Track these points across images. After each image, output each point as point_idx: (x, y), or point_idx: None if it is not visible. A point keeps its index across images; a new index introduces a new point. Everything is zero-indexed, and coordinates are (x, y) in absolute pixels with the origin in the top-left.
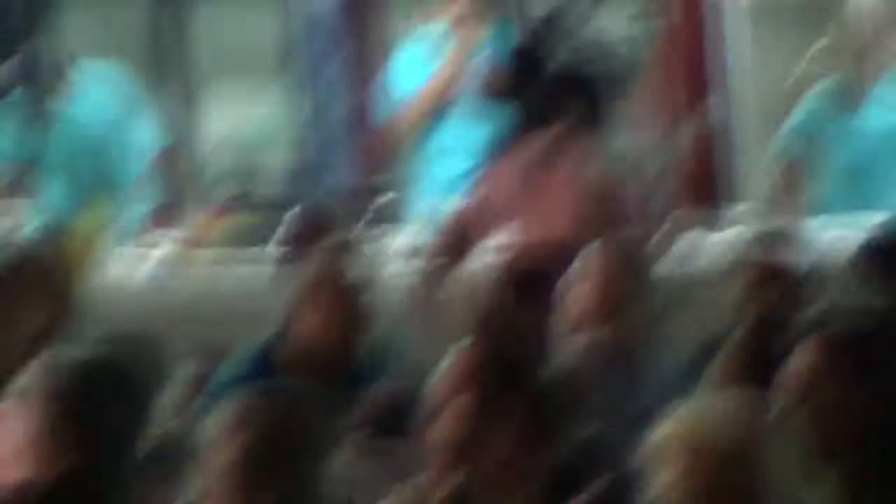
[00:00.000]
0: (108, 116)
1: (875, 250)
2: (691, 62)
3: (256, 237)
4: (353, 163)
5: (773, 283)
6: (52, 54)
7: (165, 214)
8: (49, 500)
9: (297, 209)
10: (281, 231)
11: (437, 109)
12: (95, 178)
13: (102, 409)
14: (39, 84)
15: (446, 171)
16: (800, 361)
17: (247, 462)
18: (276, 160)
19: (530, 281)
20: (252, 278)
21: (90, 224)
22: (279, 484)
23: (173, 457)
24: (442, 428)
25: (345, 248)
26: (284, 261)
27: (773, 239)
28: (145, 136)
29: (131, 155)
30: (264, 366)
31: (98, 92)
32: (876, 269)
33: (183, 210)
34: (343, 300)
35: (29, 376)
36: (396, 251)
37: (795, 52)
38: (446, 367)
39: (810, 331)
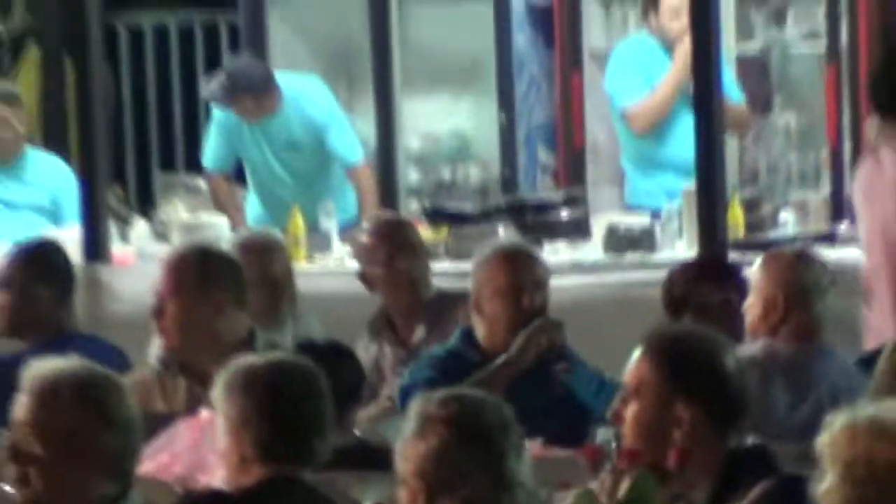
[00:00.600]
0: (313, 126)
1: None
2: None
3: (443, 249)
4: (551, 173)
5: None
6: (259, 68)
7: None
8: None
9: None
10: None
11: (656, 123)
12: (300, 186)
13: (295, 408)
14: (245, 95)
15: (661, 185)
16: None
17: (439, 461)
18: (471, 172)
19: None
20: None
21: (296, 230)
22: (469, 483)
23: (365, 456)
24: (627, 425)
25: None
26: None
27: None
28: (347, 148)
29: (333, 165)
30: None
31: (306, 103)
32: None
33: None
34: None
35: (228, 375)
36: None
37: None
38: (630, 366)
39: None
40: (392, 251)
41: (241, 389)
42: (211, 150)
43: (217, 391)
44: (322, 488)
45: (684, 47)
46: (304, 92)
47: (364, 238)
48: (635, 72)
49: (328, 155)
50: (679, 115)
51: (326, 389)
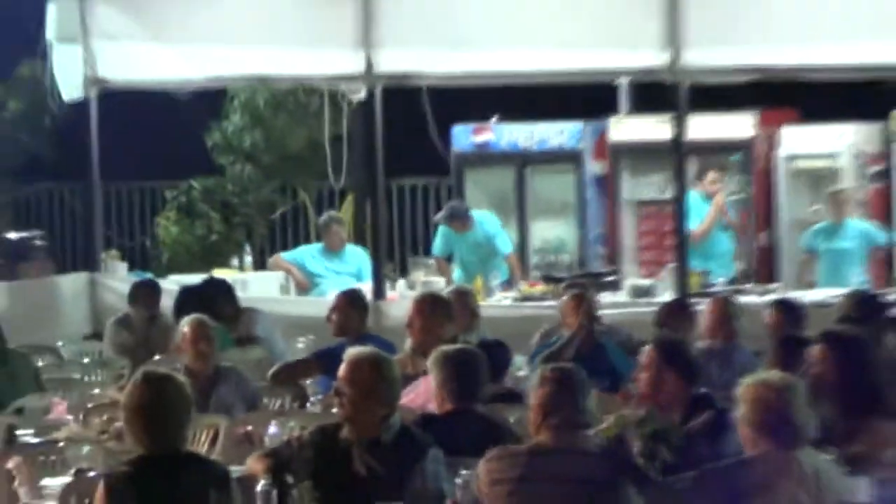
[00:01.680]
0: (488, 235)
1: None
2: None
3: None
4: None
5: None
6: (464, 206)
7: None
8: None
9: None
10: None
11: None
12: (481, 264)
13: (471, 373)
14: (456, 219)
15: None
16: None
17: (550, 398)
18: (567, 258)
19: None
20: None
21: (478, 286)
22: (565, 410)
23: (510, 398)
24: (641, 383)
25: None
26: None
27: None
28: (504, 245)
29: (497, 254)
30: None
31: (484, 223)
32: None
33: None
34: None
35: (438, 355)
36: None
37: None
38: (642, 354)
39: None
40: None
41: (443, 363)
42: (437, 246)
43: (432, 364)
44: (487, 414)
45: (718, 199)
46: (483, 219)
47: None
48: (695, 213)
49: (494, 249)
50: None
51: (486, 362)
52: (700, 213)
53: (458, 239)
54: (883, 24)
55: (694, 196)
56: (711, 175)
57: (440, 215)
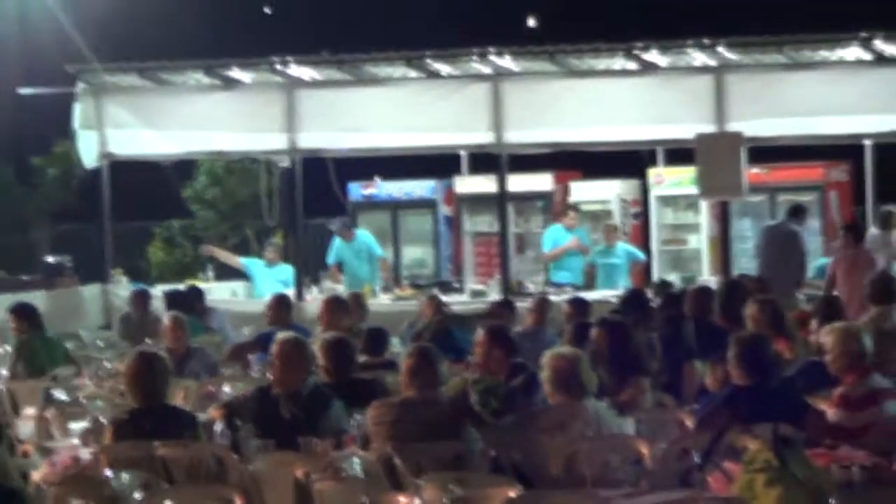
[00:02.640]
0: (367, 243)
1: None
2: None
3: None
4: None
5: None
6: (349, 221)
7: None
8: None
9: None
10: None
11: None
12: (361, 267)
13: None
14: (345, 229)
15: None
16: None
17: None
18: (427, 272)
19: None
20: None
21: (367, 290)
22: (423, 376)
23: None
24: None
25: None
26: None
27: None
28: (378, 251)
29: (373, 258)
30: None
31: (363, 236)
32: None
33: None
34: None
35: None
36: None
37: None
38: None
39: None
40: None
41: (322, 349)
42: (331, 255)
43: (318, 350)
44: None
45: (574, 241)
46: (363, 234)
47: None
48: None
49: (371, 254)
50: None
51: (354, 348)
52: (556, 240)
53: (346, 247)
54: (638, 113)
55: (555, 227)
56: (571, 213)
57: (334, 227)
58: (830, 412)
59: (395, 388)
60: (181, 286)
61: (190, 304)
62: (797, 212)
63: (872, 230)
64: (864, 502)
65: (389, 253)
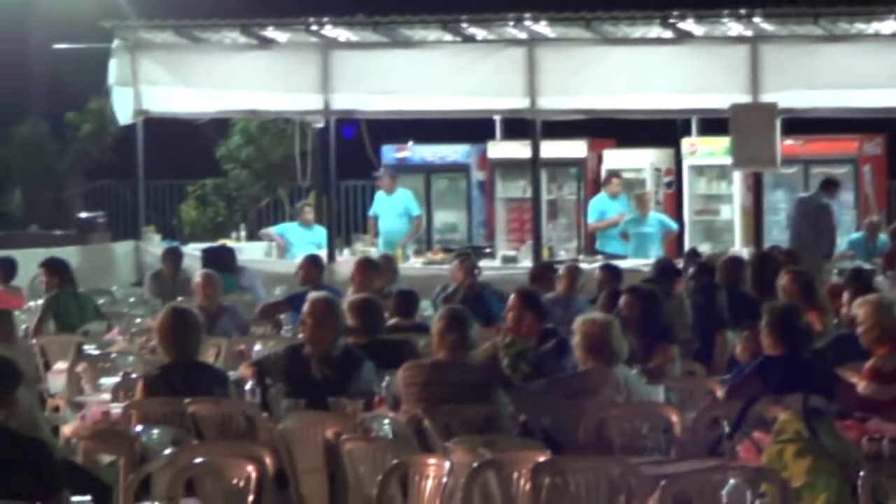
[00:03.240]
0: (405, 199)
1: None
2: None
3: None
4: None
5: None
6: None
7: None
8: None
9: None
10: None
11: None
12: (396, 223)
13: None
14: (387, 177)
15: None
16: None
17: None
18: (459, 237)
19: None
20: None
21: (398, 253)
22: (454, 338)
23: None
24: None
25: None
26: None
27: None
28: (415, 209)
29: (410, 215)
30: None
31: (403, 192)
32: None
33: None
34: None
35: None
36: None
37: None
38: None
39: None
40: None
41: (350, 310)
42: (372, 208)
43: (348, 312)
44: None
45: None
46: (403, 191)
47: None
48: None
49: (408, 211)
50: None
51: (380, 308)
52: (602, 209)
53: (384, 200)
54: (672, 82)
55: (601, 196)
56: (614, 180)
57: (379, 173)
58: (861, 384)
59: (426, 352)
60: (213, 245)
61: (222, 262)
62: (829, 185)
63: None
64: (894, 475)
65: (424, 218)
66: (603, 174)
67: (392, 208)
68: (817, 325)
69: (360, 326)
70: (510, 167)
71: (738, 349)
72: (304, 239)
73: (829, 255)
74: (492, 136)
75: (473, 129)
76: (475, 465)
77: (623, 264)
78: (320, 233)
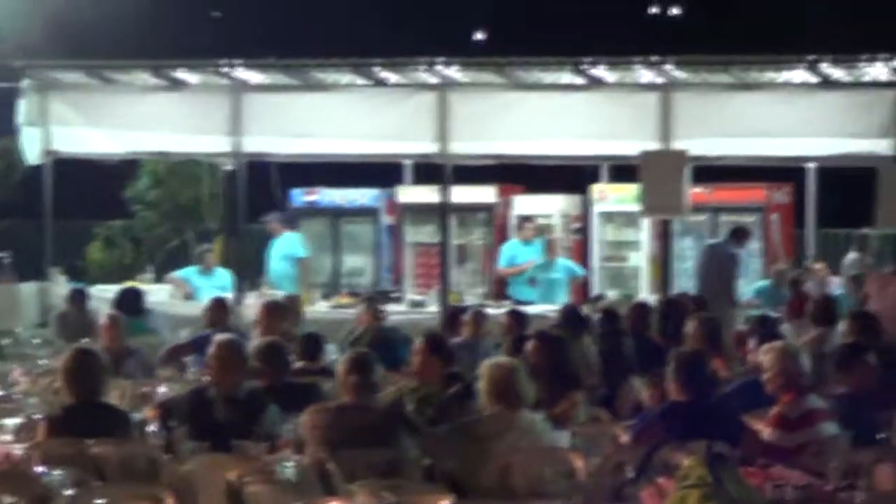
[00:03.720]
0: (291, 243)
1: None
2: None
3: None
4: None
5: None
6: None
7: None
8: None
9: None
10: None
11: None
12: (281, 267)
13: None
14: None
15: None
16: None
17: (348, 374)
18: (366, 280)
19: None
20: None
21: (306, 297)
22: (359, 382)
23: None
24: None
25: None
26: None
27: None
28: (299, 252)
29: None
30: None
31: (290, 237)
32: None
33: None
34: None
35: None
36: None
37: None
38: None
39: None
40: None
41: (255, 355)
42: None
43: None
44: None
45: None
46: (291, 236)
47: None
48: (510, 255)
49: (293, 254)
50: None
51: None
52: (513, 254)
53: (273, 245)
54: (583, 128)
55: (512, 242)
56: (527, 225)
57: (267, 218)
58: (766, 431)
59: (332, 395)
60: (120, 287)
61: (131, 304)
62: (739, 233)
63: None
64: None
65: (328, 261)
66: (513, 220)
67: (276, 252)
68: (722, 372)
69: (266, 369)
70: (419, 212)
71: (645, 395)
72: (207, 284)
73: (733, 303)
74: (401, 180)
75: (383, 172)
76: None
77: (530, 310)
78: (223, 276)
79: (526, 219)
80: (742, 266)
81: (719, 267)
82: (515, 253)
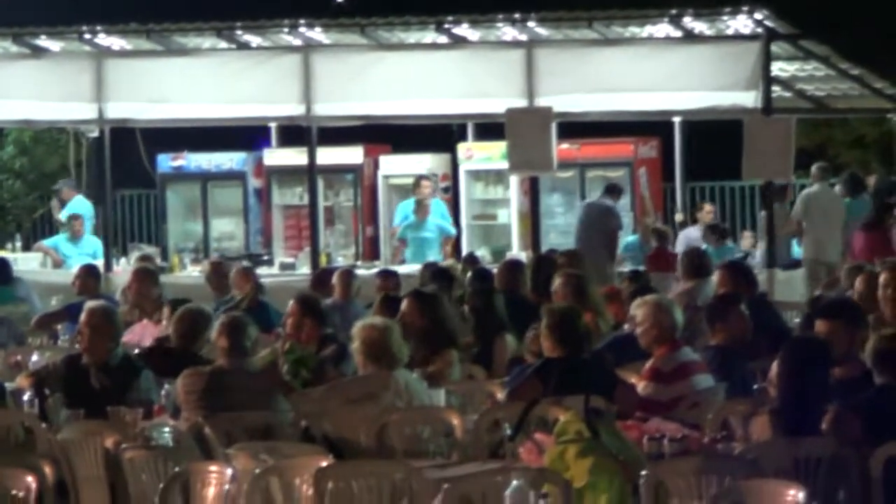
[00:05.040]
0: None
1: None
2: None
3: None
4: None
5: None
6: None
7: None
8: None
9: None
10: None
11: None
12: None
13: None
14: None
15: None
16: None
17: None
18: (236, 245)
19: None
20: None
21: (175, 262)
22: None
23: None
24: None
25: None
26: None
27: None
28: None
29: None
30: None
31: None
32: None
33: None
34: None
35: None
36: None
37: None
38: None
39: None
40: None
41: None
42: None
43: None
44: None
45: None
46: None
47: None
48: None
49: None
50: None
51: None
52: (407, 213)
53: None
54: (448, 87)
55: (409, 201)
56: (423, 183)
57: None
58: (641, 385)
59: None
60: None
61: None
62: (612, 189)
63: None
64: (674, 473)
65: (199, 227)
66: (380, 178)
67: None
68: (592, 327)
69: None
70: (286, 174)
71: (526, 351)
72: (76, 251)
73: (613, 256)
74: (268, 143)
75: (249, 136)
76: (257, 471)
77: (401, 269)
78: (92, 243)
79: (422, 177)
80: (620, 219)
81: (596, 222)
82: (409, 212)
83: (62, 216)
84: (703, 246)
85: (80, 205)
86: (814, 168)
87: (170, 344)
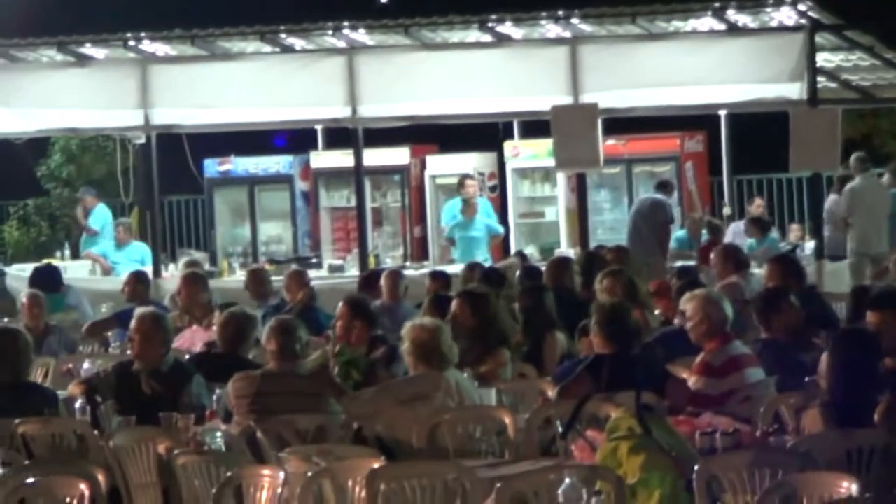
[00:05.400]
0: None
1: None
2: None
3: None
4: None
5: None
6: None
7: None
8: None
9: None
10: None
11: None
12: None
13: None
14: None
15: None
16: None
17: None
18: (284, 248)
19: None
20: None
21: (224, 266)
22: (284, 350)
23: None
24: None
25: None
26: None
27: None
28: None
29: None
30: None
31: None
32: None
33: None
34: None
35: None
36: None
37: None
38: None
39: None
40: None
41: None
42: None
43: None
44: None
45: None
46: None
47: None
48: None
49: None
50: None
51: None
52: (455, 213)
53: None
54: (493, 86)
55: (454, 200)
56: (468, 182)
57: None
58: (692, 379)
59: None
60: (41, 264)
61: (48, 281)
62: (664, 185)
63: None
64: (727, 468)
65: (247, 230)
66: (426, 178)
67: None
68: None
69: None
70: (333, 176)
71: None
72: (124, 258)
73: (665, 251)
74: (314, 145)
75: (296, 139)
76: (310, 474)
77: (450, 269)
78: (139, 249)
79: (466, 176)
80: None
81: (652, 216)
82: (456, 211)
83: (91, 224)
84: (748, 240)
85: (103, 212)
86: (852, 160)
87: (218, 349)
